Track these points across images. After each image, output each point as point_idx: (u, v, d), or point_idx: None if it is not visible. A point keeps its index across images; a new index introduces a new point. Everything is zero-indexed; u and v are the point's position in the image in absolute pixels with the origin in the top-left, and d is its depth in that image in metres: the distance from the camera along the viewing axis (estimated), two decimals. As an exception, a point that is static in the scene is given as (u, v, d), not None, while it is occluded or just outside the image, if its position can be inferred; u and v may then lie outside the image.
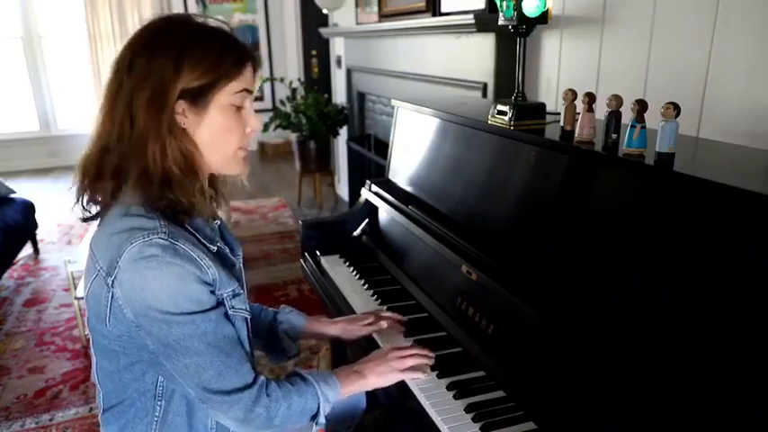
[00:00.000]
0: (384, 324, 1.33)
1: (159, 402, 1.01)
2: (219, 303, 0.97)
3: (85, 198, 0.98)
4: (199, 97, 0.93)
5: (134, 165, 0.92)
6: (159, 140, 0.91)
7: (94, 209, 1.00)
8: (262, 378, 1.00)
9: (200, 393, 0.95)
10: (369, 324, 1.33)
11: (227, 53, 0.94)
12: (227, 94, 0.94)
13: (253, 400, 0.97)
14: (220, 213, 1.13)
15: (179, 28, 0.95)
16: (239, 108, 0.97)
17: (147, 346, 0.94)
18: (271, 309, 1.35)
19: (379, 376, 1.12)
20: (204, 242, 0.98)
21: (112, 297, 0.92)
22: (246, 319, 1.04)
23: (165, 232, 0.90)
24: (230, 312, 0.99)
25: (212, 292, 0.95)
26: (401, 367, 1.14)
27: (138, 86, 0.91)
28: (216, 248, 1.01)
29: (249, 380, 0.97)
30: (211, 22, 0.98)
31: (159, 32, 0.94)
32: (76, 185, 0.98)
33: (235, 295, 1.00)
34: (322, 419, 1.06)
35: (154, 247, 0.88)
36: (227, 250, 1.06)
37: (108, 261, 0.91)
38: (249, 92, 0.98)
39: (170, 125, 0.92)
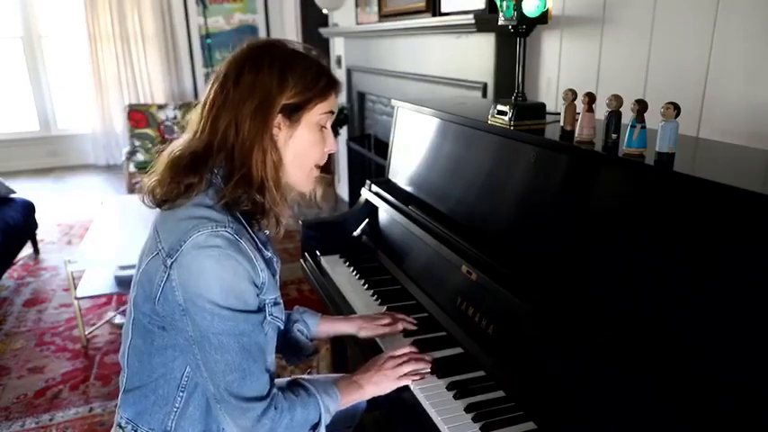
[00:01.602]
0: (400, 327, 1.34)
1: (182, 393, 1.04)
2: (260, 308, 1.01)
3: (163, 191, 1.01)
4: (294, 113, 1.01)
5: (238, 167, 0.99)
6: (262, 149, 0.99)
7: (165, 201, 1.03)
8: (275, 391, 1.03)
9: (220, 393, 0.97)
10: (385, 325, 1.34)
11: (322, 75, 1.04)
12: (316, 113, 1.04)
13: (262, 412, 0.99)
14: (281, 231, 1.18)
15: (282, 49, 1.03)
16: (323, 128, 1.07)
17: (187, 331, 0.97)
18: (285, 310, 1.35)
19: (376, 385, 1.15)
20: (261, 247, 1.03)
21: (168, 277, 0.96)
22: (279, 329, 1.09)
23: (232, 227, 0.96)
24: (268, 319, 1.03)
25: (258, 296, 0.99)
26: (397, 375, 1.15)
27: (244, 98, 0.98)
28: (269, 255, 1.08)
29: (265, 391, 1.00)
30: (305, 50, 1.08)
31: (263, 51, 1.03)
32: (156, 179, 1.02)
33: (275, 304, 1.05)
34: (322, 430, 1.08)
35: (219, 239, 0.93)
36: (276, 260, 1.12)
37: (171, 243, 0.95)
38: (332, 113, 1.07)
39: (270, 136, 1.00)
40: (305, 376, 1.21)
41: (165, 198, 1.01)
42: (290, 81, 0.99)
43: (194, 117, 1.04)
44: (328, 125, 1.08)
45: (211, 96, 1.01)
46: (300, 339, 1.32)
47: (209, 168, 1.00)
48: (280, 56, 1.02)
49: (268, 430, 1.00)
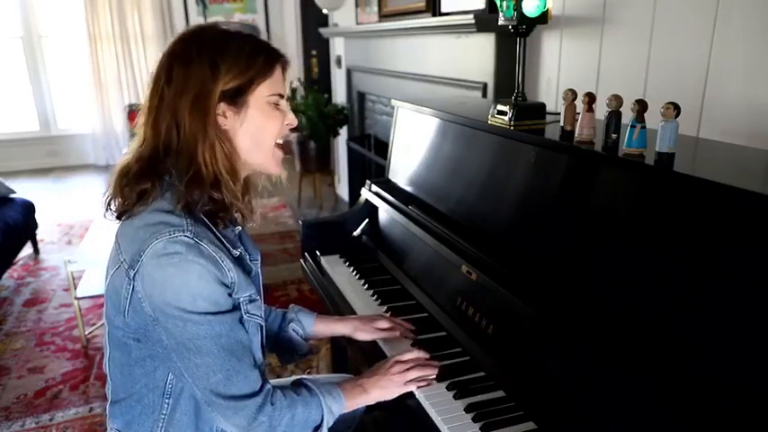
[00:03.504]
0: (397, 333, 1.33)
1: (167, 400, 1.02)
2: (235, 307, 0.98)
3: (118, 202, 1.00)
4: (237, 97, 0.97)
5: (185, 168, 0.95)
6: (208, 143, 0.96)
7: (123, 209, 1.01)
8: (268, 386, 1.01)
9: (206, 396, 0.96)
10: (382, 329, 1.32)
11: (259, 53, 0.99)
12: (263, 93, 0.99)
13: (257, 408, 0.97)
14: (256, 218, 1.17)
15: (210, 34, 0.99)
16: (276, 105, 1.03)
17: (162, 341, 0.95)
18: (280, 309, 1.35)
19: (382, 390, 1.13)
20: (228, 246, 1.00)
21: (133, 290, 0.93)
22: (261, 326, 1.06)
23: (191, 230, 0.92)
24: (245, 317, 1.00)
25: (230, 295, 0.97)
26: (403, 380, 1.13)
27: (179, 94, 0.95)
28: (238, 253, 1.03)
29: (256, 387, 0.98)
30: (239, 27, 1.03)
31: (192, 41, 0.98)
32: (110, 191, 1.00)
33: (251, 301, 1.02)
34: (324, 431, 1.06)
35: (178, 245, 0.90)
36: (247, 257, 1.09)
37: (132, 254, 0.93)
38: (281, 96, 1.04)
39: (215, 128, 0.97)
40: (308, 376, 1.20)
41: (123, 209, 0.99)
42: (223, 66, 0.95)
43: (140, 123, 1.01)
44: (282, 103, 1.04)
45: (149, 99, 0.98)
46: (295, 339, 1.31)
47: (162, 172, 0.97)
48: (208, 42, 0.97)
49: (267, 429, 0.99)
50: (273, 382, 1.08)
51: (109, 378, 1.06)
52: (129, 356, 1.00)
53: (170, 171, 0.97)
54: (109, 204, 1.01)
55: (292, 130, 1.12)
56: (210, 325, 0.93)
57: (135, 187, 0.97)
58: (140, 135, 1.01)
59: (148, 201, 0.96)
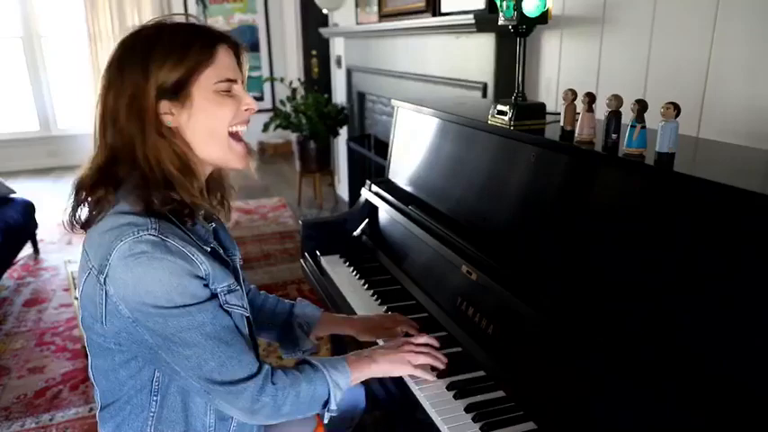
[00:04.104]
0: (398, 330, 1.32)
1: (155, 398, 1.01)
2: (214, 296, 0.96)
3: (81, 212, 0.99)
4: (179, 91, 0.93)
5: (131, 172, 0.94)
6: (150, 144, 0.93)
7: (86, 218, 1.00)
8: (267, 367, 0.99)
9: (204, 385, 0.95)
10: (386, 329, 1.32)
11: (193, 41, 0.94)
12: (207, 82, 0.95)
13: (258, 390, 0.96)
14: (230, 217, 1.14)
15: (144, 32, 0.96)
16: (227, 93, 0.97)
17: (146, 341, 0.94)
18: (288, 301, 1.35)
19: (391, 364, 1.11)
20: (198, 242, 0.97)
21: (106, 295, 0.91)
22: (244, 316, 1.03)
23: (155, 228, 0.90)
24: (225, 307, 0.98)
25: (206, 286, 0.94)
26: (414, 361, 1.12)
27: (117, 99, 0.93)
28: (210, 249, 1.00)
29: (254, 369, 0.97)
30: (178, 19, 0.99)
31: (126, 44, 0.96)
32: (70, 205, 0.99)
33: (230, 291, 0.99)
34: (333, 406, 1.04)
35: (143, 244, 0.88)
36: (221, 251, 1.06)
37: (99, 259, 0.91)
38: (232, 81, 0.97)
39: (158, 128, 0.94)
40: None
41: (85, 220, 0.99)
42: (153, 63, 0.91)
43: (96, 133, 0.99)
44: (235, 88, 0.98)
45: (97, 108, 0.97)
46: (299, 334, 1.31)
47: (117, 179, 0.95)
48: (140, 41, 0.94)
49: (272, 409, 0.97)
50: (277, 364, 1.06)
51: (95, 385, 1.05)
52: (113, 361, 0.98)
53: (124, 176, 0.95)
54: (72, 218, 0.99)
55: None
56: (192, 316, 0.91)
57: (92, 197, 0.96)
58: (95, 145, 0.99)
59: (107, 207, 0.95)
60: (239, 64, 1.01)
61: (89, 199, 0.97)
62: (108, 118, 0.95)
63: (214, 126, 0.97)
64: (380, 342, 1.32)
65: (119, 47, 0.96)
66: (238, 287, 1.02)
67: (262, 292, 1.36)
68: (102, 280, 0.91)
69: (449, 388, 1.13)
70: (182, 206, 0.95)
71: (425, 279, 1.49)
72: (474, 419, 1.05)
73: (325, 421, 1.09)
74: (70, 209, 0.99)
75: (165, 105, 0.94)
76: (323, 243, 1.86)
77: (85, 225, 0.99)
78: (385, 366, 1.11)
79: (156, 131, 0.93)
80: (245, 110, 1.00)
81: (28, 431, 2.11)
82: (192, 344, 0.92)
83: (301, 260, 1.92)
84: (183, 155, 0.96)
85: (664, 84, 1.56)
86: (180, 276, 0.90)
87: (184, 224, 0.96)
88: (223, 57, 0.96)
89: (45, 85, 6.29)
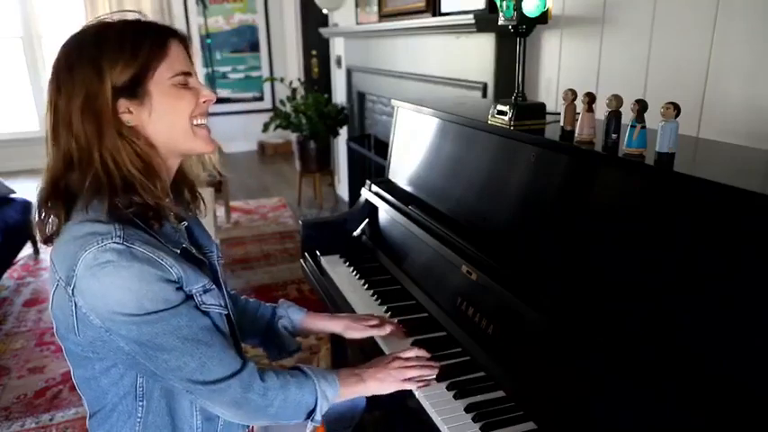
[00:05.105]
0: (388, 329, 1.32)
1: (141, 403, 1.00)
2: (189, 297, 0.95)
3: (48, 227, 0.97)
4: (135, 89, 0.92)
5: (88, 178, 0.91)
6: (108, 145, 0.90)
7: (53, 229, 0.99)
8: (251, 363, 0.99)
9: (186, 386, 0.94)
10: (372, 326, 1.32)
11: (144, 37, 0.93)
12: (163, 77, 0.93)
13: (244, 387, 0.96)
14: (204, 215, 1.13)
15: (90, 32, 0.94)
16: (184, 86, 0.96)
17: (122, 348, 0.92)
18: (269, 304, 1.34)
19: (379, 382, 1.12)
20: (167, 245, 0.95)
21: (76, 306, 0.90)
22: (222, 315, 1.02)
23: (119, 236, 0.88)
24: (201, 308, 0.96)
25: (180, 289, 0.93)
26: (401, 377, 1.13)
27: (69, 103, 0.90)
28: (179, 250, 0.98)
29: (236, 366, 0.96)
30: (127, 16, 0.97)
31: (73, 44, 0.94)
32: (36, 218, 0.97)
33: (206, 291, 0.97)
34: (318, 417, 1.04)
35: (108, 253, 0.86)
36: (194, 250, 1.04)
37: (65, 270, 0.89)
38: (187, 74, 0.97)
39: (117, 128, 0.92)
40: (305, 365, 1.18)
41: (51, 233, 0.97)
42: (105, 63, 0.89)
43: (48, 144, 0.96)
44: (192, 81, 0.98)
45: (48, 116, 0.94)
46: (283, 334, 1.30)
47: (76, 186, 0.92)
48: (87, 42, 0.92)
49: (259, 406, 0.97)
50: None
51: (81, 393, 1.04)
52: (93, 370, 0.97)
53: (80, 183, 0.92)
54: (44, 235, 0.98)
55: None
56: (165, 321, 0.90)
57: (50, 211, 0.95)
58: (48, 156, 0.95)
59: (65, 217, 0.93)
60: (188, 57, 1.00)
61: (49, 213, 0.96)
62: (61, 123, 0.92)
63: (176, 120, 0.96)
64: (380, 342, 1.33)
65: (63, 49, 0.94)
66: (214, 286, 1.00)
67: (242, 296, 1.35)
68: (71, 291, 0.89)
69: (449, 388, 1.13)
70: (146, 209, 0.93)
71: (425, 279, 1.49)
72: (474, 419, 1.05)
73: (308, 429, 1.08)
74: (39, 226, 0.97)
75: (122, 104, 0.92)
76: (323, 243, 1.86)
77: (51, 238, 0.98)
78: (372, 386, 1.11)
79: (115, 132, 0.91)
80: (204, 101, 0.99)
81: (28, 431, 2.11)
82: (169, 348, 0.91)
83: (301, 260, 1.92)
84: (144, 155, 0.93)
85: (664, 84, 1.56)
86: (149, 282, 0.88)
87: (151, 227, 0.94)
88: (175, 51, 0.95)
89: (45, 85, 6.28)
